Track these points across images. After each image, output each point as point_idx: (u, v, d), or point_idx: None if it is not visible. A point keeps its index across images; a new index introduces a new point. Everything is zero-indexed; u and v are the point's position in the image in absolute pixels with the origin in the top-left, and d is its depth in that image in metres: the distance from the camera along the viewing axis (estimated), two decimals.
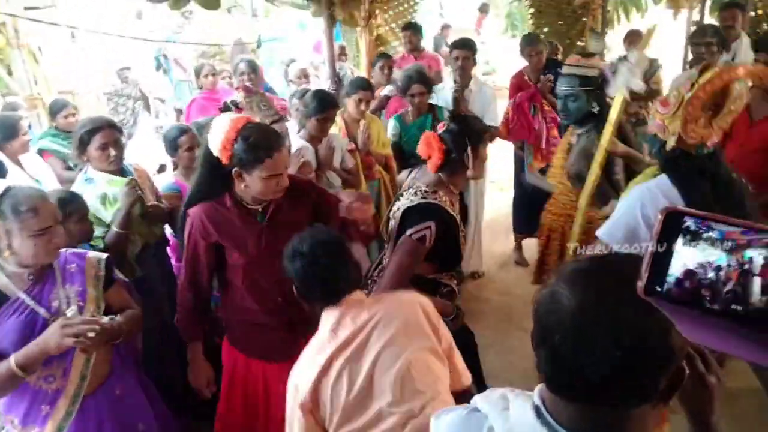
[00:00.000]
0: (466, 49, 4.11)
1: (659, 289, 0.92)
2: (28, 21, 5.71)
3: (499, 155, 5.71)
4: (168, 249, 3.30)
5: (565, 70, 2.97)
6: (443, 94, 4.20)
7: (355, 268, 1.84)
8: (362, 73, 5.52)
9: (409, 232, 2.29)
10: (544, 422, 0.93)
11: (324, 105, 3.40)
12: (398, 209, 2.45)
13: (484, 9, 12.77)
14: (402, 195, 2.50)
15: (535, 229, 3.49)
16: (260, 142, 2.02)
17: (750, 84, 1.98)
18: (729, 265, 0.86)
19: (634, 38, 5.39)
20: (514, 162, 4.94)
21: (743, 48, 4.83)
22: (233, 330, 2.42)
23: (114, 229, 2.73)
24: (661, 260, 0.94)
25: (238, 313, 2.33)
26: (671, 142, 2.00)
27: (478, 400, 1.06)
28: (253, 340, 2.34)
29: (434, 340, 1.80)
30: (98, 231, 2.72)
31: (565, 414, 0.91)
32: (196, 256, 2.24)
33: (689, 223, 0.90)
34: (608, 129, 2.66)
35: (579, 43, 6.63)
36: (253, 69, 4.77)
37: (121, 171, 2.94)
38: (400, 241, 2.34)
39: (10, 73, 6.00)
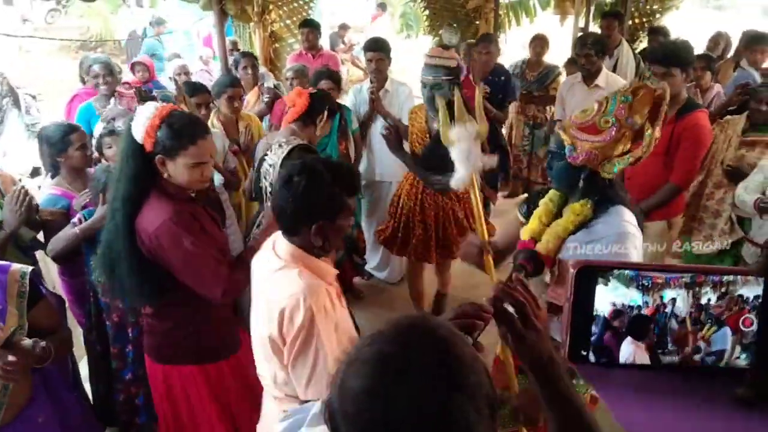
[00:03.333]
0: (379, 50, 4.03)
1: (584, 354, 0.90)
2: None
3: None
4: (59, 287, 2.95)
5: (428, 61, 3.10)
6: (361, 96, 4.12)
7: None
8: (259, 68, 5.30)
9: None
10: None
11: (192, 90, 3.57)
12: (271, 166, 2.61)
13: (382, 6, 12.82)
14: (266, 156, 2.69)
15: None
16: (184, 128, 1.99)
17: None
18: (646, 304, 0.86)
19: (538, 43, 5.53)
20: None
21: (624, 53, 5.18)
22: (167, 341, 2.21)
23: None
24: (582, 321, 0.90)
25: (207, 315, 2.17)
26: (610, 174, 1.79)
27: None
28: (198, 341, 2.19)
29: None
30: None
31: None
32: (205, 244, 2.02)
33: (608, 273, 0.88)
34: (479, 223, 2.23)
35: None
36: (110, 71, 4.38)
37: None
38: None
39: None
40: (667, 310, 0.82)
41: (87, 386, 2.79)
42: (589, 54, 4.19)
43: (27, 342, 1.74)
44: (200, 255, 1.98)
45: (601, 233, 1.78)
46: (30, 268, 1.93)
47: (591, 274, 0.86)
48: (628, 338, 0.84)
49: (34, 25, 12.54)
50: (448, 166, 2.31)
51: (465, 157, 2.18)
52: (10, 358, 1.66)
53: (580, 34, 5.54)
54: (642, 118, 1.71)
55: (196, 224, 2.04)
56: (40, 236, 2.80)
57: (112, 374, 2.72)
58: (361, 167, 4.24)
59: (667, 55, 3.08)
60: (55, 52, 13.34)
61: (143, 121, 1.96)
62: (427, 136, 3.31)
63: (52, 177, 2.95)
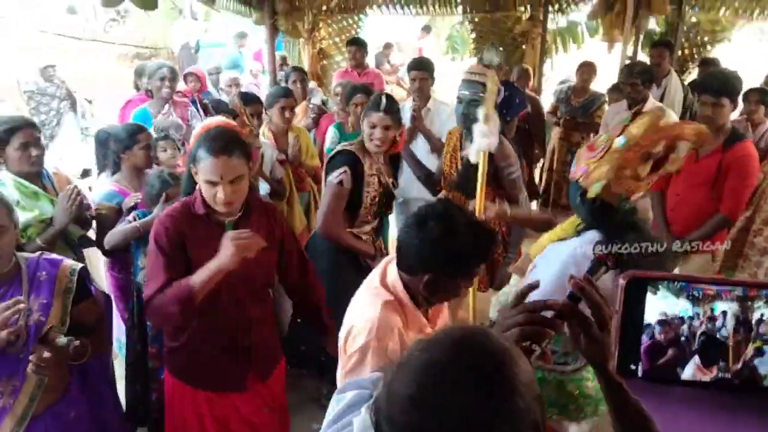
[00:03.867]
0: (422, 70, 4.11)
1: (633, 368, 0.86)
2: None
3: None
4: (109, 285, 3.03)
5: (467, 77, 3.07)
6: (403, 114, 4.17)
7: None
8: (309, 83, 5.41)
9: (329, 177, 2.72)
10: None
11: (245, 100, 3.55)
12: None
13: (426, 29, 12.94)
14: None
15: None
16: (207, 141, 1.92)
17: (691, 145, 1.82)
18: (697, 315, 0.83)
19: (586, 69, 5.48)
20: None
21: (673, 83, 5.09)
22: (177, 358, 2.18)
23: (37, 241, 2.53)
24: (631, 333, 0.88)
25: (185, 337, 2.11)
26: (594, 191, 1.81)
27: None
28: (201, 367, 2.13)
29: None
30: None
31: None
32: (172, 258, 1.97)
33: (655, 284, 0.85)
34: (479, 195, 2.74)
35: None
36: (174, 76, 4.52)
37: (39, 174, 2.72)
38: (324, 189, 2.76)
39: None
40: (717, 324, 0.81)
41: (120, 387, 2.86)
42: (635, 83, 4.16)
43: (62, 340, 1.77)
44: (151, 260, 1.98)
45: (562, 249, 1.92)
46: (80, 265, 2.00)
47: (641, 285, 0.81)
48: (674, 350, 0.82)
49: (95, 34, 13.05)
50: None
51: (482, 135, 2.67)
52: (45, 354, 1.69)
53: (627, 62, 5.48)
54: (649, 144, 1.75)
55: (176, 237, 1.96)
56: (91, 234, 2.90)
57: (148, 374, 2.78)
58: (400, 184, 4.27)
59: (718, 84, 3.04)
60: (113, 60, 13.84)
61: (198, 130, 2.02)
62: (460, 158, 3.27)
63: (113, 174, 3.06)
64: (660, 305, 0.85)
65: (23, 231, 2.57)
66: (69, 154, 6.49)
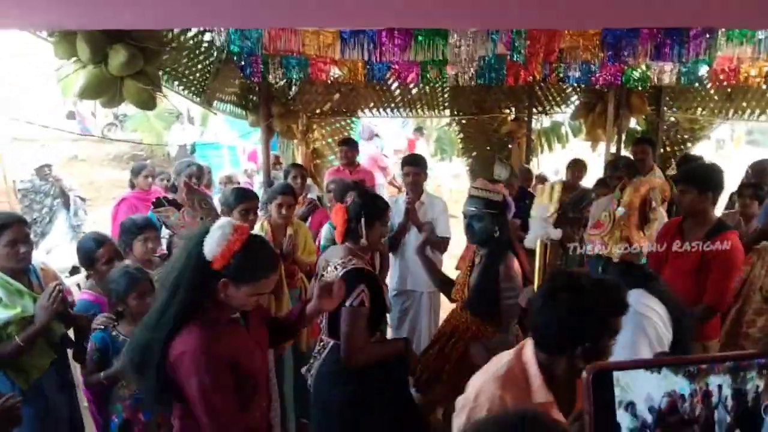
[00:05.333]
0: (416, 165, 4.25)
1: None
2: None
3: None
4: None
5: (471, 192, 3.11)
6: (397, 207, 4.23)
7: None
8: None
9: (347, 303, 2.45)
10: None
11: (241, 196, 3.45)
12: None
13: (419, 130, 13.43)
14: (323, 274, 2.69)
15: None
16: (264, 261, 1.95)
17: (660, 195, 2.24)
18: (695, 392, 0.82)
19: (577, 167, 5.64)
20: None
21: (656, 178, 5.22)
22: None
23: (16, 339, 2.50)
24: (604, 424, 0.87)
25: None
26: (618, 254, 2.10)
27: None
28: None
29: None
30: None
31: None
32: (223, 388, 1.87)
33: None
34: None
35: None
36: (201, 174, 4.69)
37: (26, 270, 2.71)
38: (342, 316, 2.48)
39: None
40: (713, 399, 0.78)
41: None
42: (620, 176, 4.28)
43: None
44: (210, 398, 1.83)
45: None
46: None
47: (607, 376, 0.80)
48: None
49: (93, 138, 13.42)
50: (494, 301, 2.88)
51: (536, 225, 2.71)
52: None
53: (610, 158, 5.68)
54: (632, 206, 2.10)
55: (225, 357, 1.88)
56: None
57: None
58: (393, 276, 4.26)
59: (684, 174, 3.20)
60: (108, 162, 14.15)
61: (220, 240, 1.85)
62: (471, 264, 3.22)
63: (87, 278, 3.04)
64: (663, 385, 0.82)
65: (3, 328, 2.53)
66: (59, 251, 6.46)
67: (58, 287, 2.58)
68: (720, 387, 0.79)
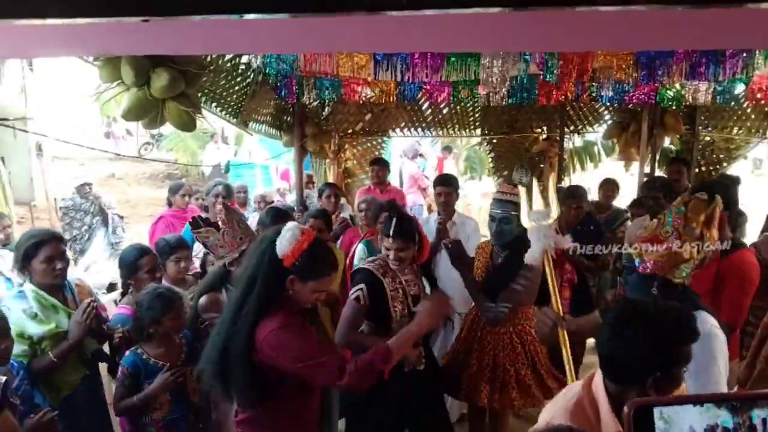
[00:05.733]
0: (448, 185, 4.27)
1: None
2: None
3: None
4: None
5: (497, 196, 3.29)
6: (429, 227, 4.24)
7: None
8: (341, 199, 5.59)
9: (350, 294, 2.90)
10: None
11: (278, 217, 3.49)
12: None
13: (447, 149, 13.45)
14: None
15: None
16: (327, 259, 2.17)
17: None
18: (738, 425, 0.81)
19: (609, 187, 5.46)
20: None
21: None
22: None
23: (49, 355, 2.56)
24: None
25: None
26: (680, 278, 2.02)
27: None
28: None
29: None
30: (18, 348, 2.44)
31: None
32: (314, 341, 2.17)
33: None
34: (554, 295, 2.54)
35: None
36: (228, 193, 4.80)
37: (62, 285, 2.78)
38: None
39: None
40: None
41: None
42: (657, 196, 4.22)
43: None
44: (309, 349, 2.06)
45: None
46: (3, 378, 1.96)
47: (649, 411, 0.81)
48: None
49: (129, 157, 13.78)
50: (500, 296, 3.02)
51: (537, 236, 2.63)
52: None
53: (645, 179, 5.59)
54: (699, 224, 1.98)
55: (304, 330, 2.14)
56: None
57: None
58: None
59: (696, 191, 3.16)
60: (144, 180, 14.49)
61: (292, 239, 2.07)
62: (491, 270, 3.34)
63: (122, 295, 3.11)
64: (706, 419, 0.82)
65: (37, 344, 2.59)
66: (96, 268, 6.62)
67: (92, 303, 2.64)
68: (765, 421, 0.78)
